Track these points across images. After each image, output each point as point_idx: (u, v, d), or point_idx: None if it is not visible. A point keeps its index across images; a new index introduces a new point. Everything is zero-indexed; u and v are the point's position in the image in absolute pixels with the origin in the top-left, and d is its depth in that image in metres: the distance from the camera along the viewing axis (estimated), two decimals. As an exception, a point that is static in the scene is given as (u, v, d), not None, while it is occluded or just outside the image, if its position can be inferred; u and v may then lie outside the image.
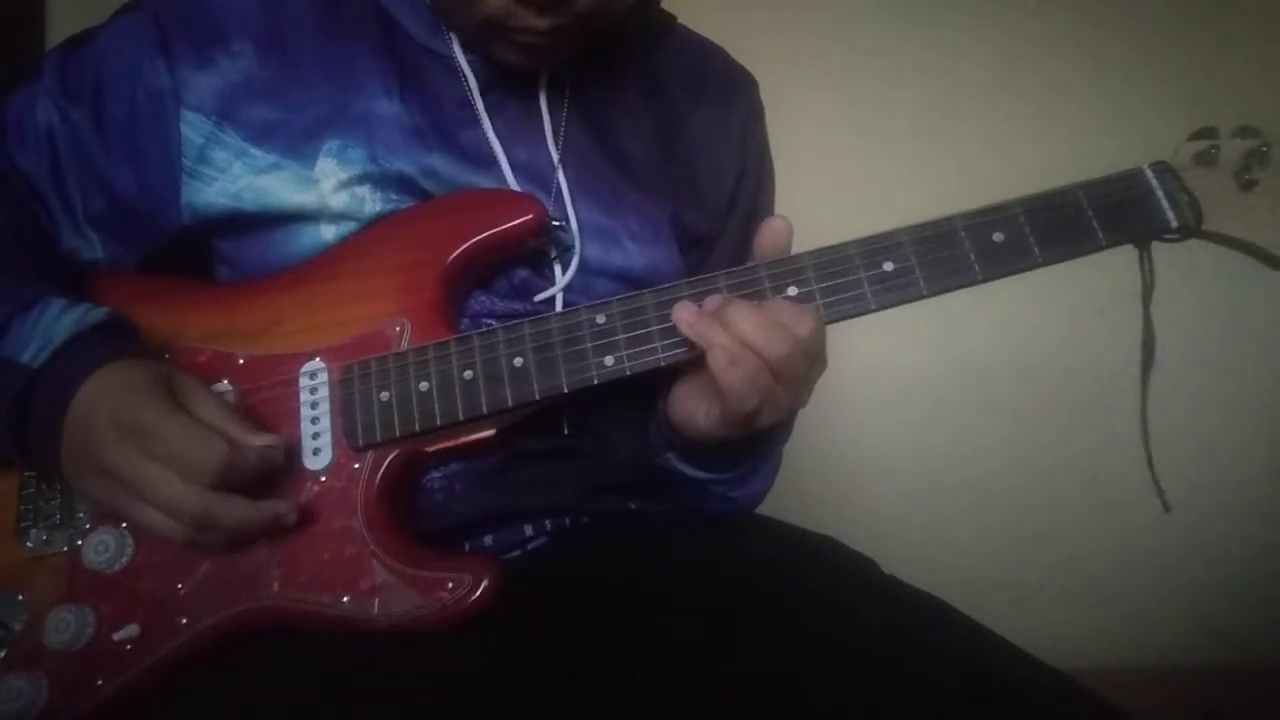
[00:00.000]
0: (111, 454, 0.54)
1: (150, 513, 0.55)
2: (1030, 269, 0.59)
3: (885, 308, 0.60)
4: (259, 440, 0.58)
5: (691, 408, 0.61)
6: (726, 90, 0.82)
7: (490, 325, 0.63)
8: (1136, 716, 0.51)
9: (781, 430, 0.70)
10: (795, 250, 0.61)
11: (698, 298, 0.59)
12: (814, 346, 0.57)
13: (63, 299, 0.61)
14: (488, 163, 0.70)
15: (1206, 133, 0.61)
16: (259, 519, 0.57)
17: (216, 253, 0.73)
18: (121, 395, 0.55)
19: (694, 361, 0.59)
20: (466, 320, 0.68)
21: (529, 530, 0.70)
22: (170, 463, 0.54)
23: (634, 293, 0.61)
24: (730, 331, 0.56)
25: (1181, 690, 1.58)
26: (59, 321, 0.59)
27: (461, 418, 0.61)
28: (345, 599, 0.58)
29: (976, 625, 0.60)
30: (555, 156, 0.72)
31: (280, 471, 0.60)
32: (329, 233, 0.68)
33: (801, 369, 0.57)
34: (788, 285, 0.60)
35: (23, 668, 0.58)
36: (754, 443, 0.65)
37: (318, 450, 0.62)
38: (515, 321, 0.62)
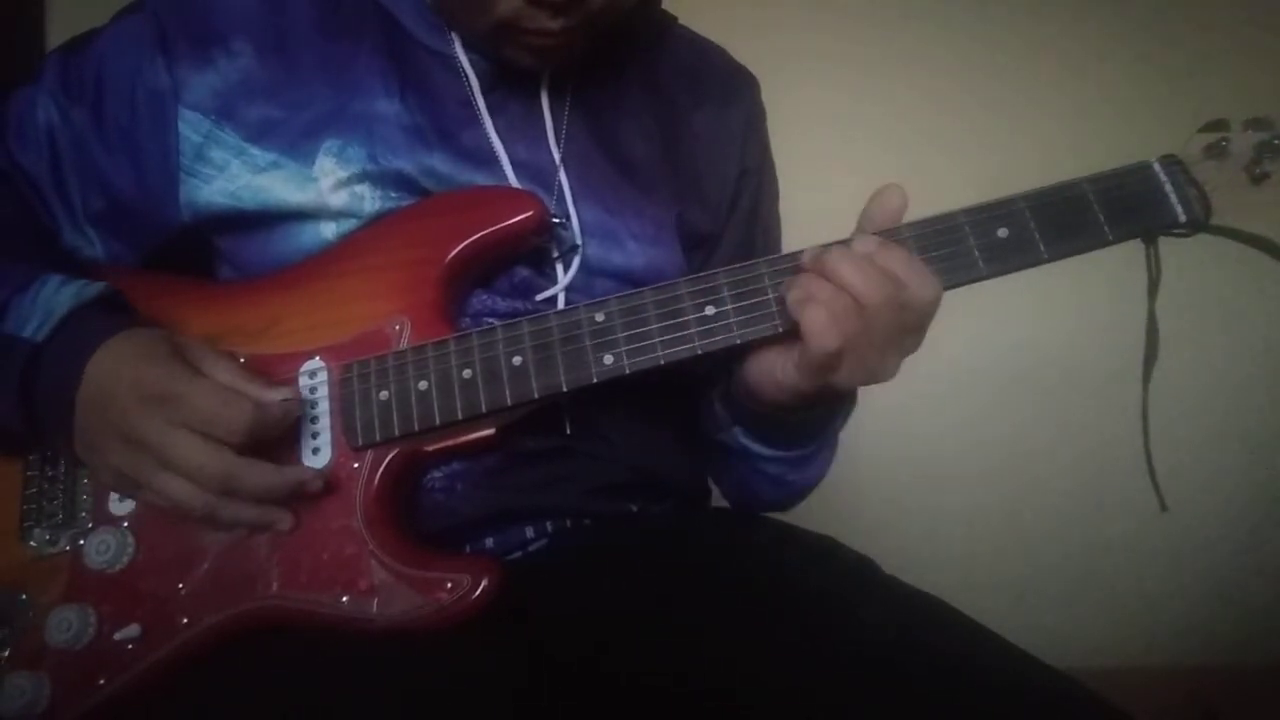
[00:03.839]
0: (138, 423, 0.55)
1: (173, 480, 0.56)
2: (1036, 265, 0.59)
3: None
4: (278, 395, 0.58)
5: (769, 362, 0.60)
6: (728, 90, 0.82)
7: (491, 324, 0.63)
8: (1136, 716, 0.51)
9: (844, 407, 0.71)
10: (796, 249, 0.61)
11: (697, 296, 0.59)
12: (918, 305, 0.55)
13: (59, 275, 0.61)
14: (489, 162, 0.70)
15: (1217, 125, 0.59)
16: (283, 483, 0.58)
17: (217, 251, 0.74)
18: (140, 365, 0.56)
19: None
20: (468, 319, 0.68)
21: (530, 532, 0.70)
22: (197, 427, 0.55)
23: (633, 291, 0.61)
24: (829, 278, 0.55)
25: (1181, 690, 1.57)
26: (58, 295, 0.59)
27: (460, 417, 0.61)
28: (344, 599, 0.58)
29: (976, 625, 0.59)
30: (557, 156, 0.72)
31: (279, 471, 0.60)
32: (329, 231, 0.68)
33: (891, 323, 0.55)
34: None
35: (25, 666, 0.59)
36: (821, 418, 0.66)
37: (317, 449, 0.62)
38: (514, 320, 0.62)
